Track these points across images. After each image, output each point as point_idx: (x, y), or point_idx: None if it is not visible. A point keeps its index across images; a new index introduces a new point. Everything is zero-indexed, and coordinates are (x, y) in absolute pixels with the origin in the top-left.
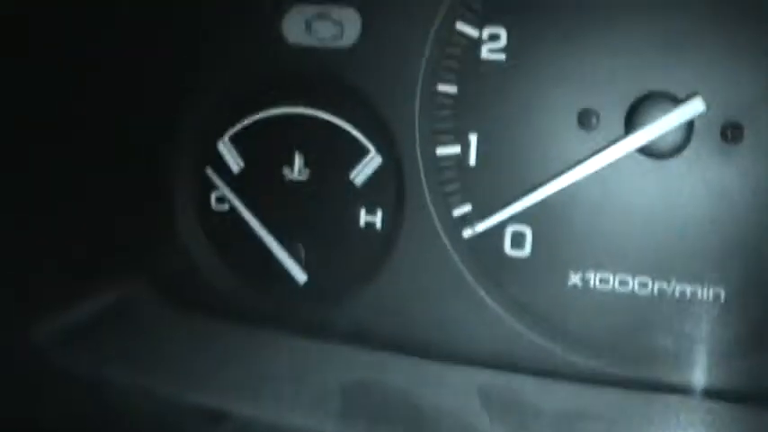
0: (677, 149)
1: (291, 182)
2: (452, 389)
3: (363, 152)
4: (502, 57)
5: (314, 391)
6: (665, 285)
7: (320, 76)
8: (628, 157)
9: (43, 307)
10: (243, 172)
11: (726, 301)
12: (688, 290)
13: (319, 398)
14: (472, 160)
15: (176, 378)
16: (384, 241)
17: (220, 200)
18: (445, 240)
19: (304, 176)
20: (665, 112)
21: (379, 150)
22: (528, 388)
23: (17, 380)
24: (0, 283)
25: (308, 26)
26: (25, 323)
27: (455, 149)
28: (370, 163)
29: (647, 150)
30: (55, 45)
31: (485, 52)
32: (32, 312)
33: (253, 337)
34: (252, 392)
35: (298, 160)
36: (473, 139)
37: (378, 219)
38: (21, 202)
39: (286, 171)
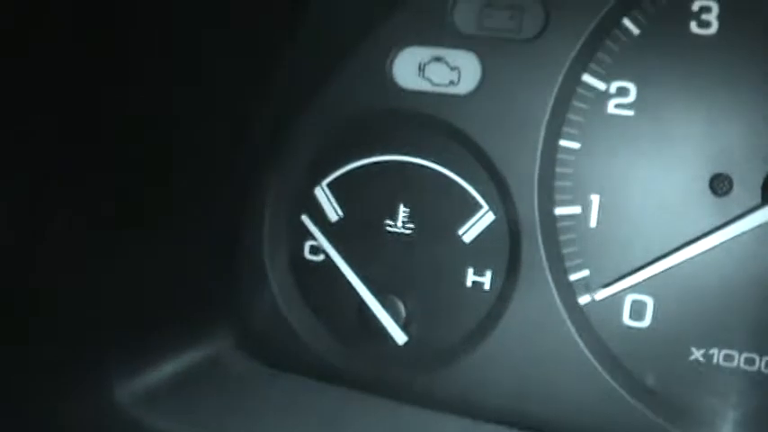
0: None
1: (393, 234)
2: None
3: (475, 207)
4: (630, 113)
5: None
6: None
7: (432, 123)
8: (763, 227)
9: (128, 366)
10: (340, 221)
11: None
12: None
13: None
14: (593, 222)
15: None
16: (492, 303)
17: (315, 250)
18: (560, 306)
19: (407, 230)
20: None
21: (492, 207)
22: None
23: None
24: (84, 343)
25: (421, 69)
26: (110, 383)
27: (575, 210)
28: (482, 219)
29: None
30: (151, 94)
31: (611, 107)
32: (117, 372)
33: (347, 400)
34: None
35: (402, 212)
36: (595, 199)
37: (486, 279)
38: (104, 257)
39: (388, 223)
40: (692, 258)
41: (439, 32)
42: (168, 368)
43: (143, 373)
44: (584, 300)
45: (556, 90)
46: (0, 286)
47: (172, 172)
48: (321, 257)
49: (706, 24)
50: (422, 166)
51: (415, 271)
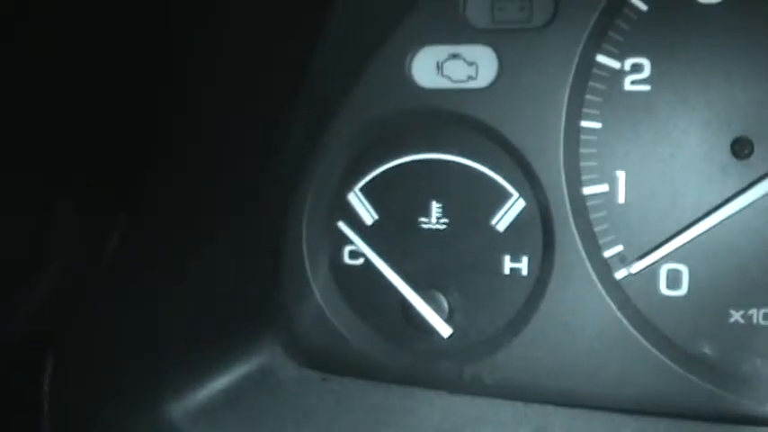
0: None
1: (429, 231)
2: None
3: (505, 196)
4: (646, 87)
5: None
6: None
7: (455, 119)
8: None
9: (177, 382)
10: (376, 224)
11: None
12: None
13: None
14: (621, 198)
15: None
16: (531, 288)
17: (354, 254)
18: (597, 283)
19: (442, 225)
20: None
21: (522, 193)
22: None
23: None
24: (132, 359)
25: (440, 68)
26: (159, 400)
27: (603, 188)
28: (513, 207)
29: None
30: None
31: (628, 84)
32: (166, 389)
33: (399, 396)
34: None
35: (434, 208)
36: (621, 175)
37: (523, 265)
38: (149, 274)
39: (422, 220)
40: (721, 223)
41: (453, 30)
42: (221, 382)
43: (196, 389)
44: (620, 274)
45: (572, 73)
46: (65, 301)
47: (218, 193)
48: (361, 261)
49: None
50: (449, 161)
51: (453, 264)
